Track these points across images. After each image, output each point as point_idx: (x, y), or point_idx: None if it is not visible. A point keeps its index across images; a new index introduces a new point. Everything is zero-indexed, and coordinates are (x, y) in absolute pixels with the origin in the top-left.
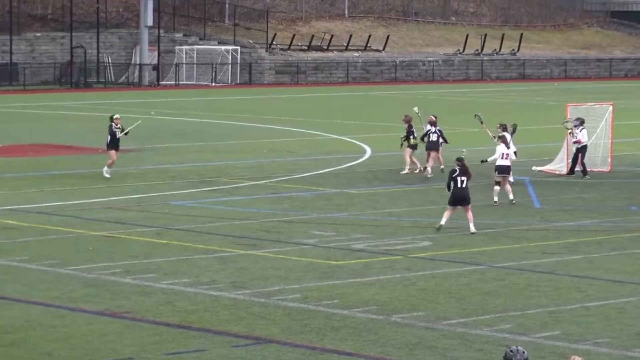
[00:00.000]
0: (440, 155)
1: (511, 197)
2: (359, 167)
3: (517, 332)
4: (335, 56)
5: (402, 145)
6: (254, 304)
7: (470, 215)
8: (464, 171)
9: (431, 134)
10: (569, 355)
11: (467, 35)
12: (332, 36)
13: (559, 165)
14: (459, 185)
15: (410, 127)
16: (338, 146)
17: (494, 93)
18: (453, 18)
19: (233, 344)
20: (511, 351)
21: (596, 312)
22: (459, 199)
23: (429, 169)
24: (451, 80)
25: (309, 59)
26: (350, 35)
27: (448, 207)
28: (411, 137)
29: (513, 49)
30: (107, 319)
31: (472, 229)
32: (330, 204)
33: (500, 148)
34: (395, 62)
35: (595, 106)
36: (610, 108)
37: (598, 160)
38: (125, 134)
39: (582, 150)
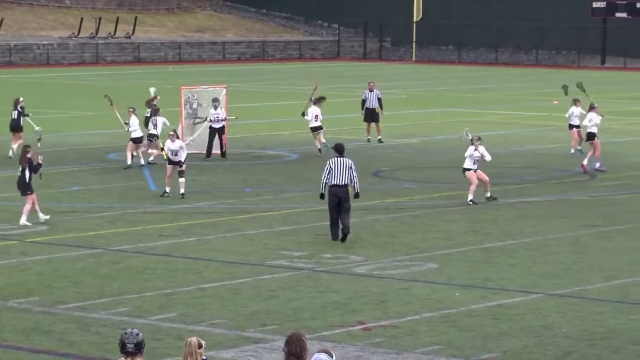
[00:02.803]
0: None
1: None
2: None
3: (134, 315)
4: None
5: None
6: None
7: (32, 206)
8: (26, 159)
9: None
10: (185, 337)
11: (82, 19)
12: None
13: None
14: (19, 173)
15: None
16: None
17: (110, 76)
18: (67, 1)
19: None
20: (125, 333)
21: (212, 293)
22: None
23: None
24: (67, 63)
25: None
26: None
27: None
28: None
29: (128, 32)
30: None
31: (24, 221)
32: None
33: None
34: (10, 45)
35: (209, 89)
36: (224, 90)
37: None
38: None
39: (221, 130)
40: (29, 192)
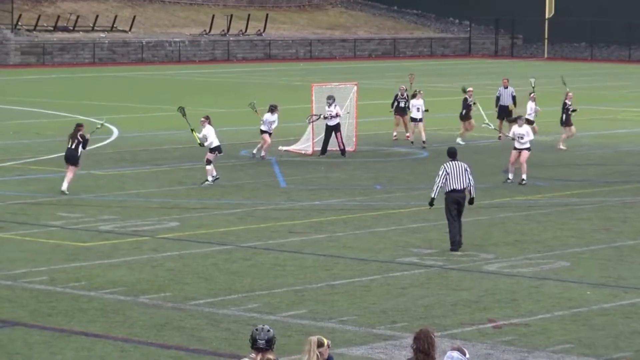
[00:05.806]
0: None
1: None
2: (106, 148)
3: (264, 312)
4: (81, 37)
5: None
6: (0, 287)
7: (70, 175)
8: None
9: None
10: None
11: (213, 16)
12: (77, 17)
13: (305, 145)
14: (69, 145)
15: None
16: (85, 128)
17: (241, 73)
18: None
19: None
20: (256, 330)
21: (342, 290)
22: (67, 157)
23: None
24: (198, 60)
25: (55, 39)
26: (97, 16)
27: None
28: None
29: (259, 30)
30: None
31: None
32: (77, 185)
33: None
34: (142, 42)
35: (340, 86)
36: (355, 88)
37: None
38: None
39: (336, 127)
40: (76, 164)
